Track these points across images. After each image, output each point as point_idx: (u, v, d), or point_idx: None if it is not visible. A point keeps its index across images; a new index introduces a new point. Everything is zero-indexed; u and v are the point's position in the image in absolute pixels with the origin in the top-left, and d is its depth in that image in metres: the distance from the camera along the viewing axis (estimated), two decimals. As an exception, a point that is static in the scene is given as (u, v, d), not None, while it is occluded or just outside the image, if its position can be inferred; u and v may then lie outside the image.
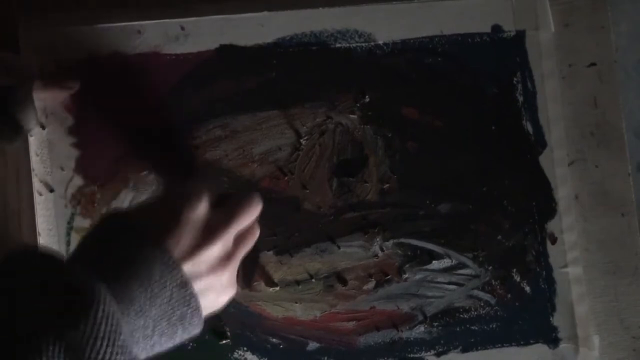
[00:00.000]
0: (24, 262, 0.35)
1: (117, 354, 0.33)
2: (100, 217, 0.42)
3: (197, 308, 0.39)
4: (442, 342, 0.55)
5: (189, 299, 0.39)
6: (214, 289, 0.42)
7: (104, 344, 0.32)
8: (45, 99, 0.52)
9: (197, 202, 0.42)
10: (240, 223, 0.44)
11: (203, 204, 0.42)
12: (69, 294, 0.33)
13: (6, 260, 0.36)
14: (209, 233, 0.42)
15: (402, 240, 0.55)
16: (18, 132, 0.49)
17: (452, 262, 0.55)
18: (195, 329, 0.40)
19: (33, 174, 0.53)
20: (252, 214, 0.45)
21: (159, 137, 0.54)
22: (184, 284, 0.38)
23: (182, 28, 0.54)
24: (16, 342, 0.31)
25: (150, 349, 0.37)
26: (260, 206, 0.46)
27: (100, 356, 0.32)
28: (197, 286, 0.39)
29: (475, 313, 0.55)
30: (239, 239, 0.45)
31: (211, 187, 0.45)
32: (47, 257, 0.36)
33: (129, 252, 0.38)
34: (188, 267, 0.39)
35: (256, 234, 0.47)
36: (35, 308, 0.33)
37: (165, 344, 0.38)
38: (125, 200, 0.53)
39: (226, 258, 0.43)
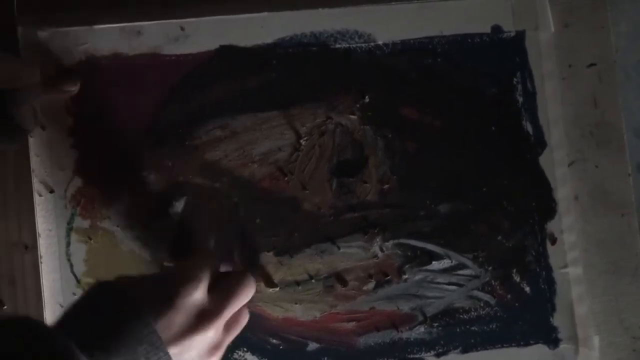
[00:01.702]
0: (6, 330, 0.35)
1: None
2: (93, 283, 0.42)
3: None
4: (442, 342, 0.55)
5: None
6: None
7: None
8: (46, 101, 0.52)
9: (194, 287, 0.42)
10: (234, 309, 0.45)
11: (200, 290, 0.43)
12: None
13: None
14: (201, 320, 0.42)
15: (402, 240, 0.55)
16: (18, 134, 0.49)
17: (452, 262, 0.55)
18: None
19: (33, 174, 0.53)
20: (245, 298, 0.46)
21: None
22: None
23: (182, 28, 0.54)
24: None
25: None
26: (254, 289, 0.47)
27: None
28: None
29: (475, 313, 0.55)
30: (228, 325, 0.45)
31: (210, 266, 0.45)
32: (30, 326, 0.36)
33: (117, 326, 0.38)
34: (175, 351, 0.40)
35: (244, 320, 0.48)
36: None
37: None
38: (126, 200, 0.53)
39: (215, 346, 0.43)
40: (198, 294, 0.42)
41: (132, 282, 0.43)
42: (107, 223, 0.53)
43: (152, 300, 0.40)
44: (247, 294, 0.46)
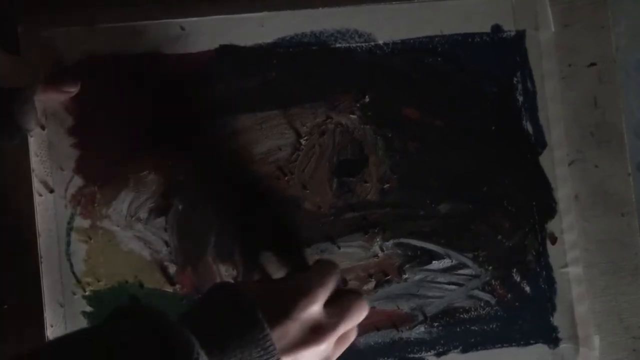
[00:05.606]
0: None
1: None
2: (215, 284, 0.43)
3: None
4: (442, 342, 0.55)
5: None
6: None
7: None
8: (45, 101, 0.52)
9: (312, 302, 0.43)
10: (347, 327, 0.46)
11: (317, 305, 0.44)
12: (169, 353, 0.34)
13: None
14: (315, 334, 0.43)
15: (402, 240, 0.55)
16: (18, 133, 0.49)
17: (452, 262, 0.55)
18: None
19: (33, 174, 0.53)
20: (359, 318, 0.47)
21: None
22: None
23: (182, 28, 0.54)
24: None
25: None
26: (367, 312, 0.47)
27: None
28: None
29: (475, 313, 0.55)
30: (339, 341, 0.46)
31: (331, 283, 0.46)
32: (154, 316, 0.37)
33: (235, 328, 0.39)
34: None
35: (353, 337, 0.48)
36: None
37: None
38: (125, 200, 0.53)
39: (324, 359, 0.44)
40: (315, 308, 0.43)
41: (254, 288, 0.45)
42: (107, 223, 0.53)
43: (270, 309, 0.41)
44: (361, 314, 0.47)
